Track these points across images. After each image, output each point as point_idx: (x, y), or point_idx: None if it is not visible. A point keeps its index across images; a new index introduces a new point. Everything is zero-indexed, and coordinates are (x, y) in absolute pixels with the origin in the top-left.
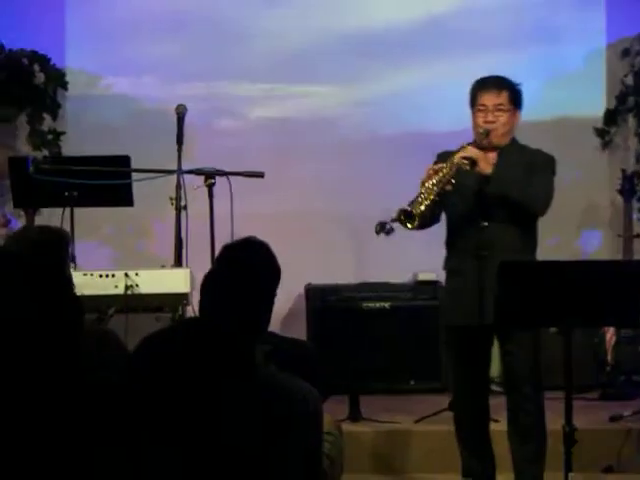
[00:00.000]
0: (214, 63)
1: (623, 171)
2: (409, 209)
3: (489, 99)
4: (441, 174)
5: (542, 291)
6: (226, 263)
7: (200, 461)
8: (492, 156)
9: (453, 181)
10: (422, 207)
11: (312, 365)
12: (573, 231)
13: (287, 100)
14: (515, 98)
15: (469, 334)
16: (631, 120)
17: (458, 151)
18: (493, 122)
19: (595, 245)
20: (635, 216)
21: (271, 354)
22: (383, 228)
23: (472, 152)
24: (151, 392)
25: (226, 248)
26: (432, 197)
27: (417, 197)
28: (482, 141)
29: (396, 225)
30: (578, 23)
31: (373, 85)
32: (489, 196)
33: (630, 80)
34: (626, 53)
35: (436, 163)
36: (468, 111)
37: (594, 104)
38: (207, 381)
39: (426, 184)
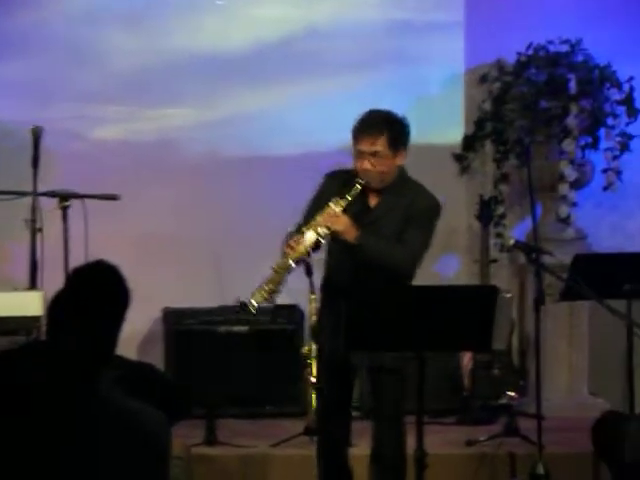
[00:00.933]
0: (68, 83)
1: (480, 196)
2: (246, 302)
3: (365, 145)
4: (298, 251)
5: (394, 314)
6: (72, 285)
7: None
8: (374, 200)
9: (311, 253)
10: (264, 295)
11: (159, 388)
12: (431, 255)
13: (143, 122)
14: (396, 140)
15: (335, 359)
16: (489, 146)
17: (323, 214)
18: (369, 170)
19: (453, 269)
20: (492, 241)
21: (119, 379)
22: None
23: (337, 224)
24: None
25: (74, 271)
26: (278, 281)
27: (260, 286)
28: (359, 188)
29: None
30: (437, 48)
31: (225, 107)
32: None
33: (488, 106)
34: (484, 79)
35: (325, 183)
36: (314, 136)
37: (453, 129)
38: (48, 406)
39: (276, 267)
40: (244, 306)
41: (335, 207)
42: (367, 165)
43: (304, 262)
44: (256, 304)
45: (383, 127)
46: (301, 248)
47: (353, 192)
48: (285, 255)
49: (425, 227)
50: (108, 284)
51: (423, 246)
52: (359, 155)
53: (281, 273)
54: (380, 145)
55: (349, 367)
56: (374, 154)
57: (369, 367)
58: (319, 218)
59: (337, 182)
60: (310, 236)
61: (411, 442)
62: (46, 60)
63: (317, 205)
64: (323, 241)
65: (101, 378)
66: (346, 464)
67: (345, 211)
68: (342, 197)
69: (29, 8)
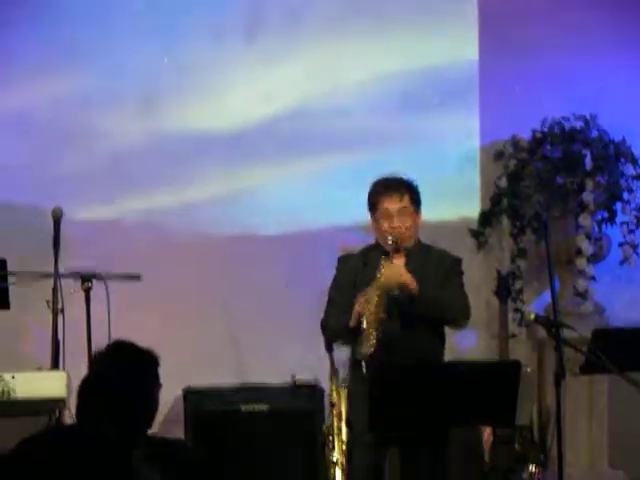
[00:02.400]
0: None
1: (498, 272)
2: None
3: (392, 204)
4: (374, 306)
5: (417, 391)
6: (95, 369)
7: None
8: (400, 261)
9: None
10: (370, 350)
11: (192, 467)
12: (449, 330)
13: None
14: (416, 199)
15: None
16: (505, 221)
17: (380, 271)
18: (399, 227)
19: (470, 345)
20: (510, 316)
21: (151, 457)
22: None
23: (405, 276)
24: None
25: (95, 355)
26: (374, 333)
27: (362, 342)
28: (391, 249)
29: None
30: (452, 125)
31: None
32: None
33: (503, 182)
34: (499, 156)
35: (342, 264)
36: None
37: (469, 206)
38: None
39: (363, 324)
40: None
41: (387, 263)
42: (396, 223)
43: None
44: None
45: (405, 185)
46: (371, 307)
47: (389, 254)
48: (367, 316)
49: (460, 281)
50: (126, 364)
51: (467, 298)
52: (386, 215)
53: (373, 324)
54: (406, 201)
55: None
56: (401, 211)
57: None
58: (379, 276)
59: (358, 259)
60: (372, 296)
61: None
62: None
63: (347, 284)
64: (396, 292)
65: (133, 456)
66: None
67: None
68: (378, 267)
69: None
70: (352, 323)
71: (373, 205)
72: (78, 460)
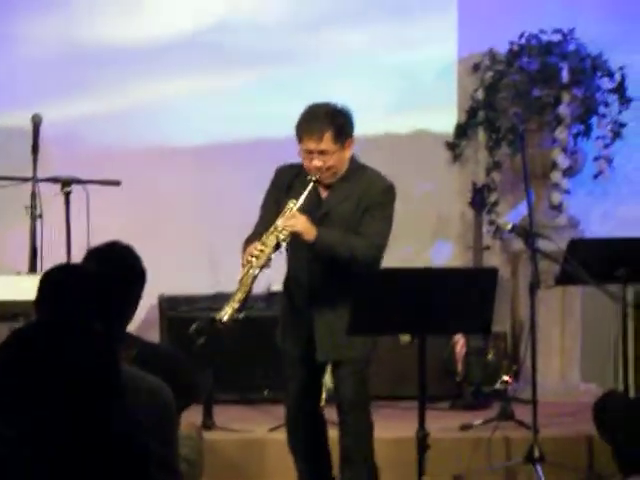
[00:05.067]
0: None
1: (473, 184)
2: (217, 318)
3: (312, 144)
4: (261, 259)
5: (396, 298)
6: (94, 264)
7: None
8: (325, 192)
9: (271, 258)
10: (233, 309)
11: (176, 370)
12: (424, 242)
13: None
14: (341, 133)
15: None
16: (481, 134)
17: (283, 213)
18: (319, 167)
19: (446, 256)
20: (485, 229)
21: (136, 358)
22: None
23: (297, 226)
24: (10, 399)
25: (92, 251)
26: (243, 294)
27: (228, 301)
28: (312, 184)
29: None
30: (430, 38)
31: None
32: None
33: (480, 94)
34: (476, 68)
35: (275, 178)
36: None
37: (445, 118)
38: (70, 386)
39: (239, 284)
40: (200, 330)
41: (293, 208)
42: (317, 163)
43: (267, 266)
44: (226, 319)
45: (326, 123)
46: (263, 255)
47: (307, 190)
48: (248, 265)
49: (383, 214)
50: (127, 263)
51: (383, 235)
52: (307, 154)
53: (248, 284)
54: (326, 142)
55: (315, 365)
56: (321, 152)
57: (332, 363)
58: (279, 222)
59: (288, 177)
60: (271, 241)
61: (411, 425)
62: None
63: (271, 203)
64: (284, 244)
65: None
66: (324, 448)
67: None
68: (297, 196)
69: None
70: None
71: (297, 137)
72: (70, 349)
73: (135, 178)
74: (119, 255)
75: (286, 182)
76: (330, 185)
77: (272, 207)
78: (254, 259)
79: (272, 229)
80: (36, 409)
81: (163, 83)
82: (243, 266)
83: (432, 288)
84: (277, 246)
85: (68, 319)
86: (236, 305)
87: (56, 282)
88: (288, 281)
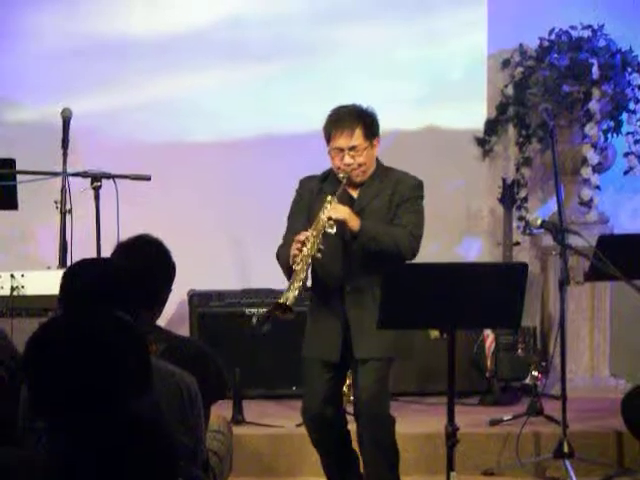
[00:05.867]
0: None
1: (503, 180)
2: (281, 302)
3: (343, 141)
4: (309, 245)
5: (426, 292)
6: (123, 258)
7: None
8: (355, 193)
9: (322, 247)
10: (295, 293)
11: (205, 364)
12: (454, 238)
13: None
14: (370, 131)
15: (331, 367)
16: (511, 130)
17: (323, 209)
18: (350, 164)
19: (475, 252)
20: (515, 224)
21: (165, 352)
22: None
23: (340, 213)
24: (46, 383)
25: (122, 244)
26: (303, 276)
27: (289, 286)
28: (344, 183)
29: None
30: (460, 34)
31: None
32: (356, 249)
33: (510, 90)
34: (506, 64)
35: (300, 188)
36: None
37: (475, 114)
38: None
39: (295, 266)
40: (279, 307)
41: (333, 201)
42: (348, 160)
43: (318, 256)
44: (289, 302)
45: (356, 120)
46: (312, 243)
47: (341, 188)
48: (299, 253)
49: (416, 207)
50: (155, 256)
51: (420, 226)
52: (338, 152)
53: (304, 269)
54: (357, 138)
55: (343, 363)
56: (352, 148)
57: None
58: (322, 215)
59: (314, 185)
60: (318, 230)
61: (439, 420)
62: None
63: (302, 209)
64: (333, 231)
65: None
66: (348, 445)
67: None
68: (332, 194)
69: None
70: (291, 263)
71: (326, 137)
72: (99, 340)
73: (164, 172)
74: (148, 248)
75: (315, 189)
76: (360, 184)
77: (303, 215)
78: (305, 248)
79: (317, 222)
80: (66, 401)
81: (187, 77)
82: (295, 257)
83: (463, 283)
84: (324, 235)
85: (95, 311)
86: (296, 290)
87: (75, 275)
88: (318, 290)
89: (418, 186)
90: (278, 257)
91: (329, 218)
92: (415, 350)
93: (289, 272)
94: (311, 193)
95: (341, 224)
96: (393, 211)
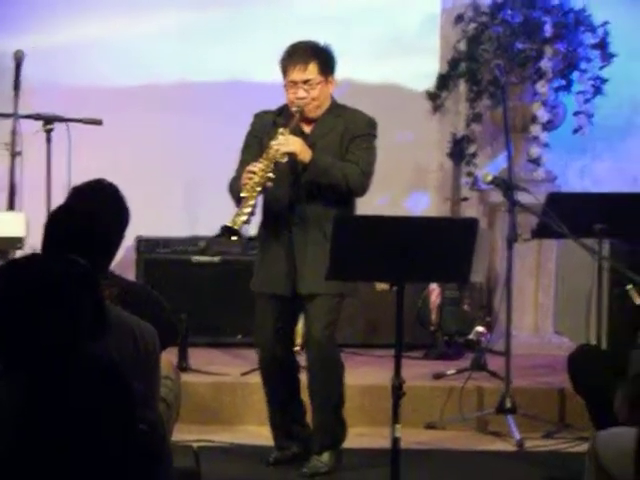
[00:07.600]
0: None
1: (453, 135)
2: (229, 225)
3: (297, 75)
4: (259, 176)
5: (376, 244)
6: (74, 201)
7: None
8: (308, 127)
9: (272, 176)
10: (243, 218)
11: (158, 309)
12: (402, 192)
13: None
14: (325, 66)
15: (280, 301)
16: (462, 85)
17: (275, 139)
18: (304, 98)
19: (423, 207)
20: (463, 180)
21: (118, 296)
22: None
23: (291, 145)
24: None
25: (76, 188)
26: (252, 203)
27: (237, 211)
28: (297, 117)
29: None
30: None
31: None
32: (306, 180)
33: (462, 46)
34: (459, 19)
35: (254, 123)
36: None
37: (427, 69)
38: (56, 317)
39: (244, 194)
40: (227, 230)
41: (285, 133)
42: (302, 93)
43: (268, 185)
44: (237, 227)
45: (311, 55)
46: (262, 173)
47: (293, 121)
48: (249, 180)
49: (368, 144)
50: (111, 201)
51: (371, 163)
52: (292, 85)
53: (253, 196)
54: (311, 72)
55: (294, 299)
56: (306, 82)
57: (307, 296)
58: (273, 144)
59: (269, 119)
60: (269, 160)
61: (384, 373)
62: None
63: (254, 144)
64: (284, 160)
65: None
66: (296, 392)
67: None
68: (285, 127)
69: None
70: (242, 194)
71: (282, 71)
72: (52, 290)
73: (114, 117)
74: (104, 193)
75: (268, 123)
76: (313, 120)
77: (255, 149)
78: (254, 175)
79: (267, 152)
80: (24, 340)
81: (140, 20)
82: (244, 185)
83: (414, 236)
84: (275, 165)
85: (54, 254)
86: (244, 215)
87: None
88: (267, 220)
89: (370, 124)
90: (231, 189)
91: (283, 152)
92: (360, 292)
93: (239, 202)
94: (264, 127)
95: (292, 156)
96: (345, 147)
